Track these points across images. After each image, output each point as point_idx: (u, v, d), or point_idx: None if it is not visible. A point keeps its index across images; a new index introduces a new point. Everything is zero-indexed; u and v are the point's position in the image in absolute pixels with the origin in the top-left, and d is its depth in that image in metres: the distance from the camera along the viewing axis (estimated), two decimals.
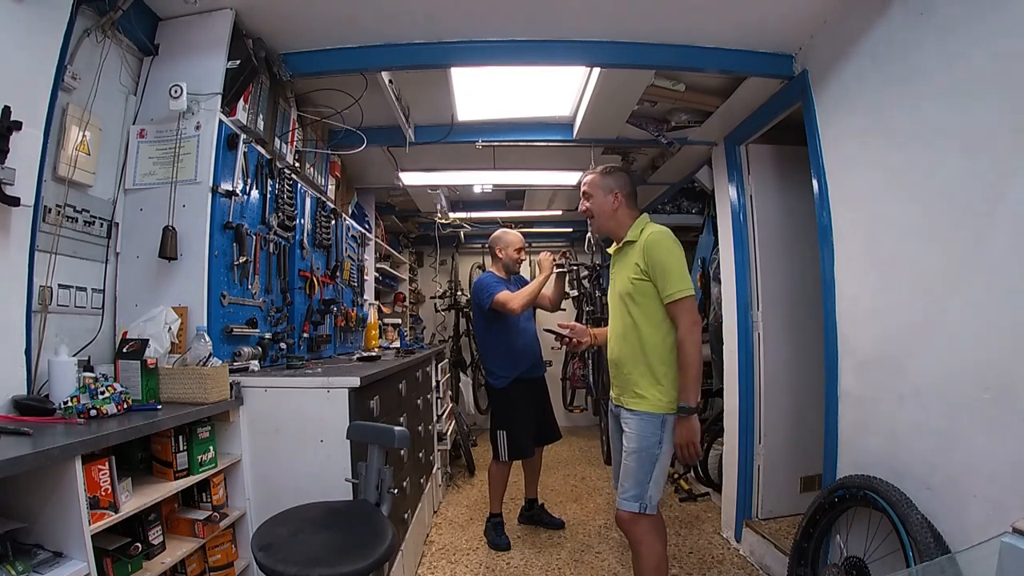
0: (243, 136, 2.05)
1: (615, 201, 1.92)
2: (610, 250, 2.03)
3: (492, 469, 2.95)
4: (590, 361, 4.77)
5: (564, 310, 5.50)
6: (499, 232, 3.03)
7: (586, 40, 2.21)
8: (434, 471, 3.25)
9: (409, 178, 3.69)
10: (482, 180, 3.80)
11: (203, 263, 1.84)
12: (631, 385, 1.85)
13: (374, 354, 2.79)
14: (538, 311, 3.12)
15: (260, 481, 1.76)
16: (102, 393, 1.37)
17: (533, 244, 6.25)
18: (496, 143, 3.12)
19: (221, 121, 1.92)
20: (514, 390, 2.87)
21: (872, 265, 1.84)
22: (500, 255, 2.98)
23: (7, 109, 1.32)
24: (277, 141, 2.42)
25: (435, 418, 3.39)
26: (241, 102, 2.06)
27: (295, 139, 2.61)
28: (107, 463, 1.20)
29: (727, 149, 2.95)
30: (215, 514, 1.59)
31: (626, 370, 1.87)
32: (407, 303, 5.45)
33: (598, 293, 4.49)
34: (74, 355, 1.54)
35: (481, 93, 2.81)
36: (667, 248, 1.79)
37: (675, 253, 1.79)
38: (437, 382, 3.60)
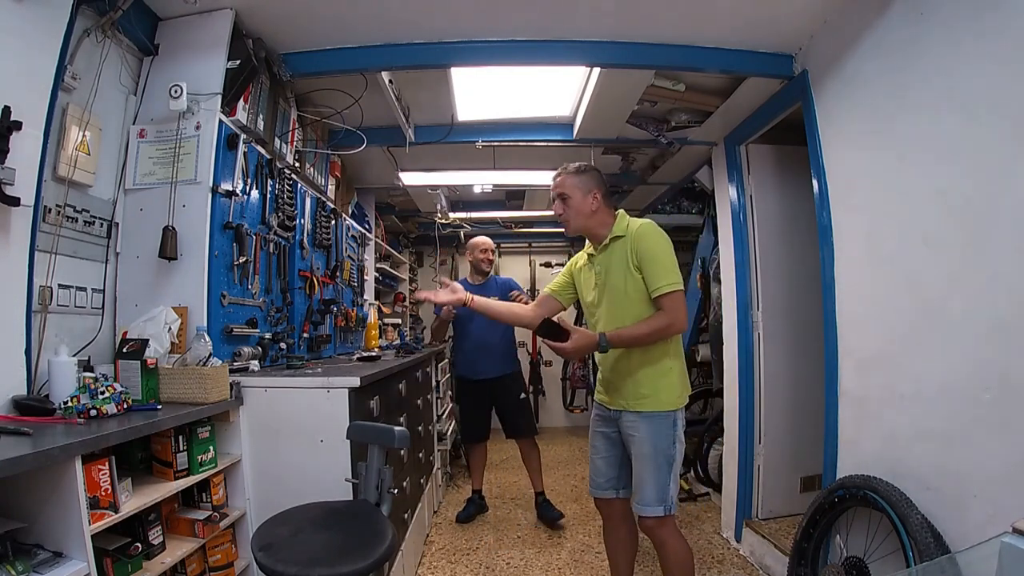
0: (243, 136, 2.05)
1: (594, 201, 1.82)
2: (588, 250, 1.91)
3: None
4: (590, 361, 4.77)
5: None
6: (471, 240, 3.42)
7: (586, 40, 2.21)
8: (434, 471, 3.25)
9: (409, 178, 3.69)
10: (482, 180, 3.80)
11: (203, 263, 1.84)
12: (635, 385, 1.76)
13: (374, 354, 2.79)
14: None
15: (260, 481, 1.76)
16: (102, 393, 1.37)
17: (534, 244, 6.30)
18: (496, 143, 3.12)
19: (221, 121, 1.92)
20: (459, 384, 3.40)
21: (872, 265, 1.84)
22: (468, 258, 3.38)
23: (7, 109, 1.32)
24: (277, 141, 2.42)
25: (435, 418, 3.39)
26: (241, 102, 2.06)
27: (295, 139, 2.61)
28: (107, 463, 1.20)
29: (727, 149, 2.95)
30: (215, 514, 1.59)
31: (629, 369, 1.78)
32: (407, 303, 5.44)
33: None
34: (74, 355, 1.53)
35: (481, 93, 2.81)
36: (656, 239, 1.74)
37: (664, 244, 1.74)
38: (437, 382, 3.60)
